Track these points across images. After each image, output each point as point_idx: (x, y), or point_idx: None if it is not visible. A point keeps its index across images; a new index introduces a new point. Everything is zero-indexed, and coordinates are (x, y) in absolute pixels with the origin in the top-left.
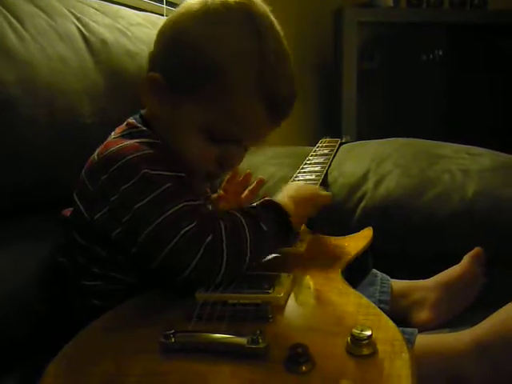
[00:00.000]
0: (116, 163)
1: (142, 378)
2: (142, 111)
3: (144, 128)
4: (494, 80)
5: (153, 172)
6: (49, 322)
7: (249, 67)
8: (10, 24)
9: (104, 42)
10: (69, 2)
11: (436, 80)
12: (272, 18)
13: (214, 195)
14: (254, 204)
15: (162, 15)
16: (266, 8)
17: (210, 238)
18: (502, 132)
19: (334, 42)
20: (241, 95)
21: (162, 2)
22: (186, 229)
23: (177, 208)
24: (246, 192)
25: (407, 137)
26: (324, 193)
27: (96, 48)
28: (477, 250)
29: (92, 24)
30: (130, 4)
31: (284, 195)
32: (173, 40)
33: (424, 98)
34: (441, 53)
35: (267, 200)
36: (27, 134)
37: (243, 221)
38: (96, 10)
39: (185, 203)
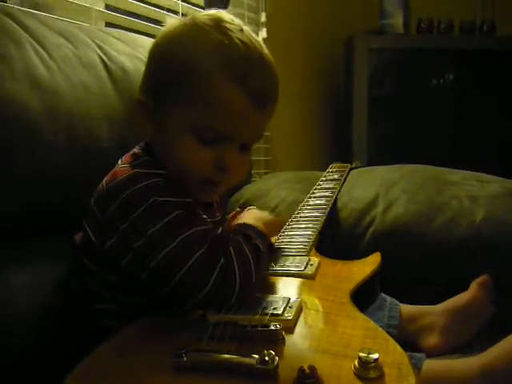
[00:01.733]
0: (124, 192)
1: None
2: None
3: (148, 158)
4: (507, 103)
5: (161, 199)
6: (62, 340)
7: (214, 57)
8: (38, 53)
9: (124, 70)
10: (91, 32)
11: (447, 106)
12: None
13: (232, 213)
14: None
15: None
16: (237, 20)
17: (222, 261)
18: None
19: (346, 68)
20: (213, 85)
21: None
22: (198, 253)
23: (189, 233)
24: None
25: (418, 162)
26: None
27: (117, 76)
28: (484, 277)
29: (113, 53)
30: (148, 32)
31: (247, 218)
32: (148, 59)
33: (435, 124)
34: (451, 77)
35: (241, 224)
36: (48, 158)
37: (243, 242)
38: (117, 39)
39: (196, 228)
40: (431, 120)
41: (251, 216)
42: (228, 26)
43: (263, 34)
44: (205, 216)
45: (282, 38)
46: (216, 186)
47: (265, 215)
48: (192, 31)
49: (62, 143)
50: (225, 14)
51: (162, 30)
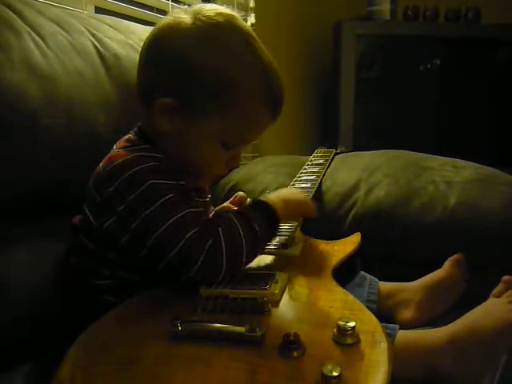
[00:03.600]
0: (121, 176)
1: (154, 361)
2: (139, 124)
3: (144, 145)
4: (491, 90)
5: (157, 182)
6: (64, 315)
7: (254, 77)
8: (35, 42)
9: (117, 56)
10: (85, 19)
11: (432, 92)
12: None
13: (225, 204)
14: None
15: None
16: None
17: (210, 242)
18: (497, 141)
19: (333, 54)
20: (252, 103)
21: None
22: (189, 234)
23: (180, 215)
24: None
25: (403, 147)
26: (311, 204)
27: (110, 63)
28: (457, 255)
29: (106, 40)
30: (137, 16)
31: (276, 196)
32: (174, 64)
33: (420, 110)
34: (437, 64)
35: (258, 200)
36: (47, 143)
37: (238, 224)
38: (109, 26)
39: (187, 211)
40: (417, 106)
41: (279, 195)
42: (244, 33)
43: (252, 19)
44: (197, 198)
45: (270, 23)
46: (220, 177)
47: (294, 196)
48: (217, 45)
49: (61, 128)
50: (234, 15)
51: (167, 27)
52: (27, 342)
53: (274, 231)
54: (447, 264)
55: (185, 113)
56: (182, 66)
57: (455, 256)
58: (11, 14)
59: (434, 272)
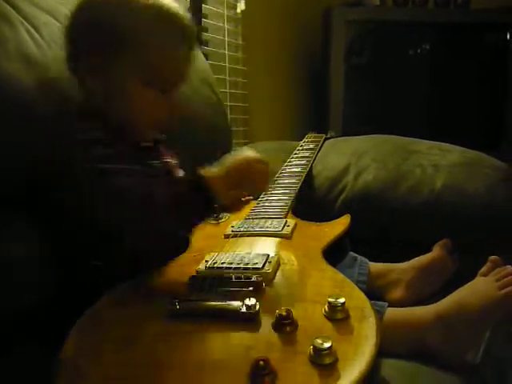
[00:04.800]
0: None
1: (153, 338)
2: (80, 103)
3: (96, 124)
4: (480, 75)
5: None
6: (62, 299)
7: (151, 19)
8: (29, 33)
9: None
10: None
11: (422, 77)
12: None
13: None
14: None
15: None
16: None
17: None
18: (486, 125)
19: (323, 40)
20: (157, 41)
21: None
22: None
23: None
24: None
25: (394, 132)
26: (262, 166)
27: None
28: (445, 240)
29: None
30: None
31: (220, 167)
32: (90, 20)
33: (410, 95)
34: (426, 49)
35: (193, 175)
36: (42, 132)
37: (160, 189)
38: None
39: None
40: (407, 91)
41: (223, 162)
42: None
43: (242, 5)
44: (151, 161)
45: (260, 9)
46: (161, 127)
47: (239, 160)
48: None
49: (55, 117)
50: None
51: None
52: (23, 325)
53: (207, 205)
54: (436, 248)
55: (102, 66)
56: (95, 22)
57: (443, 241)
58: (7, 6)
59: (425, 255)
